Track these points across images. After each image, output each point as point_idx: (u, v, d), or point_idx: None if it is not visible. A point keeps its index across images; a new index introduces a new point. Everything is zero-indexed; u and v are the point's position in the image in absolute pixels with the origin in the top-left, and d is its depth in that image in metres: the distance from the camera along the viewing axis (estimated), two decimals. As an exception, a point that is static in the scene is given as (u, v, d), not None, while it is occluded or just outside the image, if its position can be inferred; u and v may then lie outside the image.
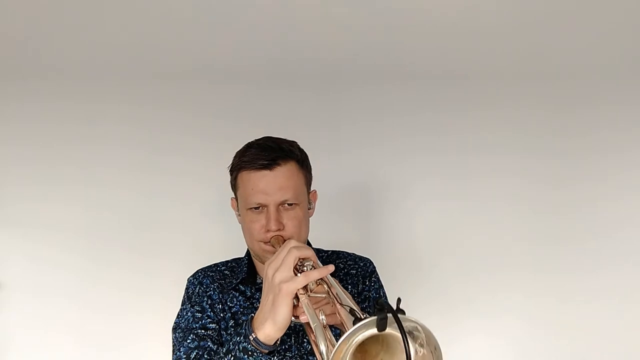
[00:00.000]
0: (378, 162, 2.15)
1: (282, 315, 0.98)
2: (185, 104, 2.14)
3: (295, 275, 1.00)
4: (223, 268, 1.38)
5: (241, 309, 1.28)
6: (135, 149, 2.12)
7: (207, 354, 1.18)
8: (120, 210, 2.11)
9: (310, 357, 1.24)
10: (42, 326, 2.07)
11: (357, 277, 1.35)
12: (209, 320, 1.26)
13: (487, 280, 2.12)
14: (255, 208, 1.23)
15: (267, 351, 1.02)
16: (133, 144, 2.12)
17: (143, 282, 2.07)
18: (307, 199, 1.31)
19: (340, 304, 0.94)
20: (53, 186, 2.10)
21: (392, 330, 0.79)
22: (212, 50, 2.14)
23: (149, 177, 2.11)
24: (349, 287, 1.33)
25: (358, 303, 1.31)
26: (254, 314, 1.05)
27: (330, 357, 0.78)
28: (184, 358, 1.17)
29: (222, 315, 1.27)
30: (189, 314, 1.27)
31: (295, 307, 1.01)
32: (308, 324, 0.98)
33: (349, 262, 1.39)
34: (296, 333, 1.25)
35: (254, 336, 1.01)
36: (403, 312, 0.78)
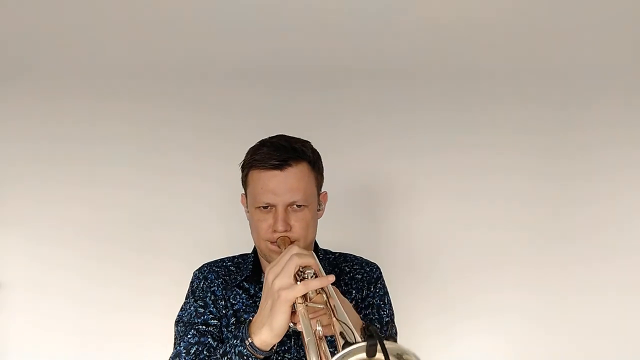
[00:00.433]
0: (381, 161, 2.14)
1: (279, 323, 0.98)
2: (188, 102, 2.14)
3: (296, 282, 0.99)
4: (229, 264, 1.38)
5: (243, 307, 1.28)
6: (136, 147, 2.13)
7: (206, 350, 1.19)
8: (122, 209, 2.12)
9: (309, 359, 1.24)
10: (42, 325, 2.10)
11: (362, 282, 1.34)
12: (210, 316, 1.26)
13: (491, 278, 2.11)
14: (264, 207, 1.22)
15: (262, 357, 1.02)
16: (134, 143, 2.13)
17: (144, 281, 2.09)
18: (316, 200, 1.29)
19: (336, 319, 0.93)
20: (54, 185, 2.12)
21: (381, 356, 0.78)
22: (215, 49, 2.14)
23: (150, 175, 2.12)
24: (353, 291, 1.32)
25: (361, 309, 1.31)
26: (253, 317, 1.05)
27: None
28: (184, 353, 1.18)
29: (224, 311, 1.28)
30: (191, 308, 1.28)
31: (293, 313, 1.01)
32: (304, 339, 0.98)
33: (355, 266, 1.37)
34: (296, 335, 1.25)
35: (250, 341, 1.01)
36: (395, 335, 0.77)
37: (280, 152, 1.21)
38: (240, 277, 1.32)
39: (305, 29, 2.13)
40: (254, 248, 1.37)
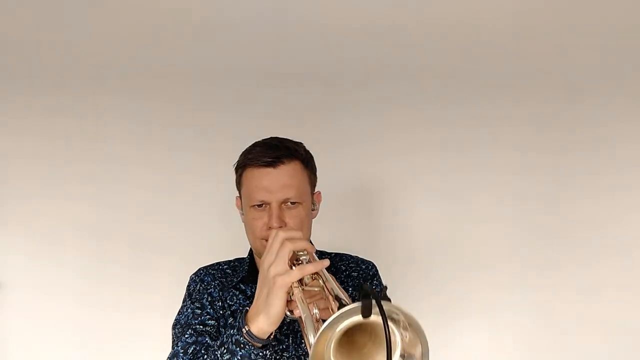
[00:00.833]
0: (377, 160, 2.16)
1: (276, 309, 0.98)
2: (190, 101, 2.17)
3: (291, 268, 1.00)
4: (225, 267, 1.38)
5: (241, 308, 1.28)
6: (138, 146, 2.14)
7: (203, 349, 1.17)
8: (123, 208, 2.13)
9: (308, 358, 1.23)
10: (42, 325, 2.09)
11: (358, 279, 1.34)
12: (208, 316, 1.26)
13: (484, 276, 2.11)
14: (258, 205, 1.24)
15: (259, 345, 1.01)
16: (136, 141, 2.14)
17: (144, 280, 2.09)
18: (310, 199, 1.31)
19: (333, 296, 0.93)
20: (54, 184, 2.13)
21: (377, 318, 0.78)
22: (216, 48, 2.17)
23: (151, 174, 2.14)
24: (350, 289, 1.32)
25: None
26: (250, 307, 1.05)
27: (314, 341, 0.77)
28: (181, 352, 1.17)
29: (221, 312, 1.27)
30: (188, 310, 1.28)
31: (289, 301, 1.01)
32: (301, 317, 0.98)
33: (351, 265, 1.38)
34: (294, 334, 1.24)
35: (247, 329, 1.00)
36: (388, 300, 0.77)
37: (273, 150, 1.23)
38: (237, 278, 1.32)
39: (302, 30, 2.17)
40: (250, 251, 1.38)
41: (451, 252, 2.13)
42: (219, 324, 1.26)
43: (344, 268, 1.37)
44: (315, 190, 1.35)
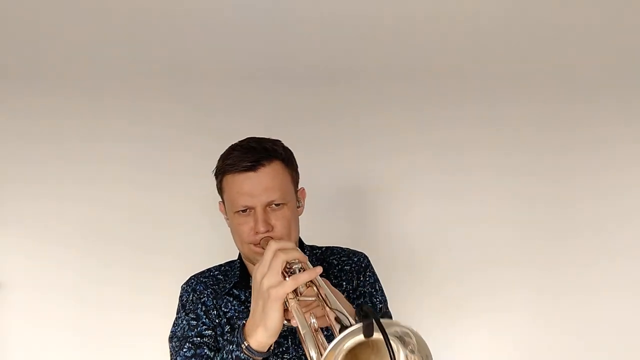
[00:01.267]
0: (372, 159, 2.15)
1: (273, 321, 0.97)
2: (187, 102, 2.14)
3: (284, 279, 0.98)
4: (216, 273, 1.36)
5: (236, 314, 1.27)
6: (136, 147, 2.13)
7: (204, 362, 1.17)
8: (121, 209, 2.12)
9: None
10: (42, 325, 2.09)
11: (351, 272, 1.34)
12: (204, 327, 1.24)
13: (484, 277, 2.12)
14: (243, 211, 1.21)
15: (260, 358, 1.00)
16: (134, 142, 2.13)
17: (144, 280, 2.08)
18: (295, 197, 1.28)
19: (330, 308, 0.92)
20: (53, 184, 2.11)
21: (379, 335, 0.77)
22: (210, 47, 2.14)
23: (150, 175, 2.13)
24: (344, 283, 1.32)
25: (353, 300, 1.30)
26: (246, 320, 1.03)
27: None
28: (181, 367, 1.16)
29: (217, 321, 1.26)
30: (184, 322, 1.26)
31: (286, 310, 1.00)
32: (300, 331, 0.97)
33: (342, 258, 1.37)
34: (293, 335, 1.24)
35: (247, 344, 0.99)
36: (390, 317, 0.76)
37: (251, 154, 1.20)
38: (229, 284, 1.31)
39: (299, 30, 2.15)
40: (239, 254, 1.36)
41: (451, 254, 2.13)
42: (215, 333, 1.25)
43: (335, 262, 1.36)
44: (299, 187, 1.32)
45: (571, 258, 2.12)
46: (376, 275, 1.36)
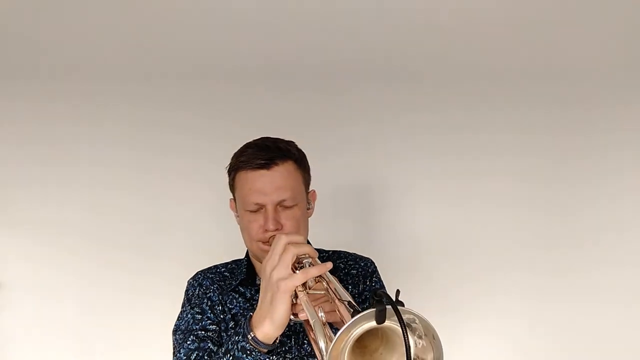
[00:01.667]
0: (377, 162, 2.16)
1: (281, 314, 0.97)
2: (187, 104, 2.15)
3: (294, 272, 0.99)
4: (223, 270, 1.37)
5: (241, 311, 1.27)
6: (136, 149, 2.13)
7: (207, 355, 1.17)
8: (121, 211, 2.12)
9: (310, 359, 1.23)
10: (42, 326, 2.09)
11: (357, 277, 1.34)
12: (209, 321, 1.24)
13: (486, 281, 2.12)
14: (253, 209, 1.22)
15: (265, 350, 1.00)
16: (134, 145, 2.14)
17: (143, 282, 2.08)
18: (305, 198, 1.29)
19: (340, 299, 0.92)
20: (54, 186, 2.12)
21: (390, 324, 0.78)
22: (211, 50, 2.16)
23: (150, 178, 2.13)
24: (350, 287, 1.32)
25: (358, 304, 1.30)
26: (253, 312, 1.04)
27: (329, 350, 0.77)
28: (184, 359, 1.16)
29: (222, 316, 1.26)
30: (189, 315, 1.26)
31: (293, 304, 1.00)
32: (307, 321, 0.97)
33: (349, 262, 1.37)
34: (296, 334, 1.24)
35: (253, 335, 0.99)
36: (402, 304, 0.77)
37: (265, 152, 1.22)
38: (235, 281, 1.31)
39: (300, 31, 2.16)
40: (247, 252, 1.36)
41: (451, 257, 2.14)
42: (220, 328, 1.24)
43: (342, 266, 1.36)
44: (310, 189, 1.34)
45: (574, 264, 2.12)
46: (382, 281, 1.36)
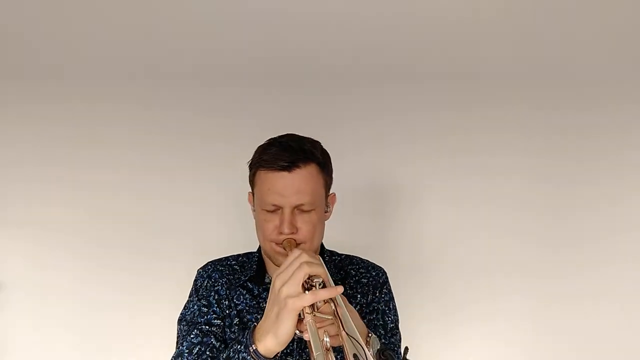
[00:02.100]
0: (386, 163, 2.13)
1: (285, 331, 0.97)
2: (188, 105, 2.12)
3: (304, 291, 0.97)
4: (233, 263, 1.36)
5: (247, 307, 1.27)
6: (137, 149, 2.11)
7: (209, 351, 1.17)
8: (122, 211, 2.11)
9: (312, 365, 1.23)
10: (42, 326, 2.10)
11: (367, 286, 1.32)
12: (214, 315, 1.25)
13: (496, 283, 2.11)
14: (271, 209, 1.20)
15: None
16: (135, 145, 2.11)
17: (144, 283, 2.08)
18: (324, 202, 1.27)
19: (347, 333, 0.91)
20: (54, 186, 2.11)
21: None
22: (214, 51, 2.12)
23: (150, 178, 2.11)
24: (358, 296, 1.31)
25: (365, 314, 1.29)
26: (257, 322, 1.03)
27: None
28: (186, 352, 1.17)
29: (227, 311, 1.26)
30: (195, 307, 1.27)
31: (299, 321, 0.99)
32: (312, 349, 0.96)
33: (361, 270, 1.35)
34: (299, 339, 1.23)
35: (254, 348, 0.99)
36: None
37: (289, 153, 1.18)
38: (244, 277, 1.30)
39: (309, 31, 2.12)
40: (259, 247, 1.35)
41: (459, 258, 2.11)
42: (224, 323, 1.25)
43: (353, 273, 1.35)
44: (330, 192, 1.31)
45: (578, 265, 2.10)
46: (392, 293, 1.35)
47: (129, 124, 2.11)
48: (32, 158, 2.11)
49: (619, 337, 2.08)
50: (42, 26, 2.11)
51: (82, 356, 2.09)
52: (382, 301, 1.31)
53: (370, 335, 1.08)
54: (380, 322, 1.28)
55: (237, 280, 1.30)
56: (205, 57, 2.12)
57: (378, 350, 0.75)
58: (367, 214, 2.11)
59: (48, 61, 2.12)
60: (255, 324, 1.04)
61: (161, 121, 2.11)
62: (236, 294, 1.28)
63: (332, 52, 2.12)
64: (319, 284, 1.00)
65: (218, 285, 1.30)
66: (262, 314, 1.04)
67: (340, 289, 0.97)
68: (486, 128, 2.11)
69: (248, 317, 1.25)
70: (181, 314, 1.27)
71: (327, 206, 1.29)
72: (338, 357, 1.11)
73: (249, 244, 1.31)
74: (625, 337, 2.09)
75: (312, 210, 1.21)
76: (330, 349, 0.96)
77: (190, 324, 1.23)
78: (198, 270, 1.35)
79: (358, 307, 1.29)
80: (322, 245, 1.35)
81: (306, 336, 0.97)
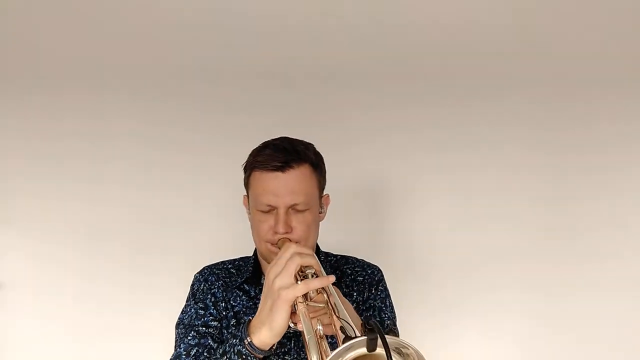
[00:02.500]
0: (379, 160, 2.14)
1: (279, 322, 0.98)
2: (190, 101, 2.14)
3: (296, 282, 0.99)
4: (230, 266, 1.38)
5: (244, 309, 1.28)
6: (138, 146, 2.13)
7: (206, 352, 1.18)
8: (122, 209, 2.12)
9: (309, 362, 1.23)
10: (42, 325, 2.10)
11: (363, 284, 1.34)
12: (211, 317, 1.26)
13: (491, 278, 2.11)
14: (265, 209, 1.22)
15: (261, 356, 1.01)
16: (136, 141, 2.13)
17: (145, 280, 2.09)
18: (318, 203, 1.29)
19: (337, 317, 0.92)
20: (55, 184, 2.12)
21: (382, 350, 0.77)
22: (220, 49, 2.14)
23: (152, 174, 2.13)
24: (355, 294, 1.32)
25: (362, 312, 1.30)
26: (253, 316, 1.05)
27: None
28: (184, 354, 1.18)
29: (224, 313, 1.27)
30: (192, 310, 1.28)
31: (293, 313, 1.00)
32: (304, 336, 0.97)
33: (356, 269, 1.37)
34: (296, 337, 1.24)
35: (249, 340, 1.00)
36: (397, 335, 0.77)
37: (282, 154, 1.21)
38: (241, 279, 1.32)
39: (306, 30, 2.14)
40: (255, 250, 1.37)
41: (454, 254, 2.11)
42: (221, 325, 1.26)
43: (349, 272, 1.36)
44: (324, 193, 1.33)
45: (575, 259, 2.09)
46: (388, 290, 1.36)
47: (128, 123, 2.12)
48: (33, 154, 2.12)
49: (619, 331, 2.07)
50: (47, 22, 2.14)
51: (82, 354, 2.08)
52: (379, 298, 1.32)
53: (368, 319, 1.09)
54: (377, 319, 1.29)
55: (233, 283, 1.32)
56: (213, 55, 2.14)
57: (364, 317, 0.76)
58: (361, 213, 2.13)
59: (52, 57, 2.14)
60: (251, 318, 1.05)
61: (165, 118, 2.13)
62: (233, 295, 1.30)
63: (327, 52, 2.14)
64: (312, 275, 1.02)
65: (214, 287, 1.31)
66: None
67: (332, 278, 0.99)
68: (483, 125, 2.13)
69: (245, 318, 1.26)
70: (179, 318, 1.29)
71: (321, 207, 1.31)
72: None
73: (249, 244, 1.33)
74: (624, 331, 2.08)
75: (306, 210, 1.23)
76: (324, 337, 0.97)
77: (187, 327, 1.24)
78: (195, 274, 1.36)
79: (355, 304, 1.30)
80: (317, 247, 1.36)
81: (300, 326, 0.99)
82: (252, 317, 1.04)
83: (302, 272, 1.03)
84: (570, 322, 2.08)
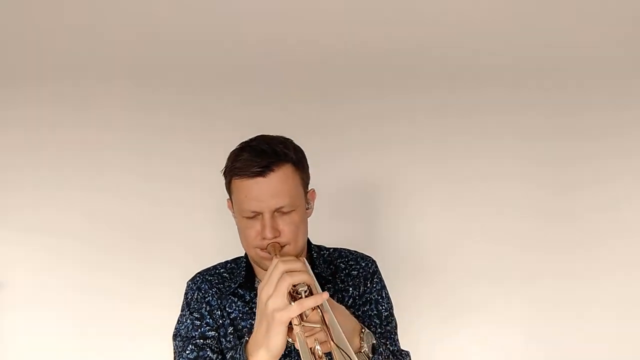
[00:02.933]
0: (381, 164, 2.12)
1: (276, 344, 0.96)
2: (181, 108, 2.12)
3: (290, 302, 0.97)
4: (222, 270, 1.35)
5: (240, 315, 1.26)
6: (133, 153, 2.12)
7: (206, 364, 1.17)
8: (119, 214, 2.11)
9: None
10: (42, 326, 2.11)
11: (358, 278, 1.32)
12: (207, 327, 1.24)
13: (488, 286, 2.11)
14: (250, 216, 1.18)
15: None
16: (130, 149, 2.12)
17: (141, 285, 2.09)
18: (304, 200, 1.25)
19: (335, 344, 0.91)
20: (53, 189, 2.11)
21: None
22: (209, 53, 2.11)
23: (147, 181, 2.12)
24: (350, 288, 1.30)
25: (359, 306, 1.29)
26: (250, 324, 1.03)
27: None
28: (184, 369, 1.17)
29: (221, 321, 1.26)
30: (188, 321, 1.26)
31: (290, 330, 0.99)
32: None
33: (350, 262, 1.35)
34: (295, 350, 1.23)
35: None
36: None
37: (261, 158, 1.16)
38: (234, 284, 1.29)
39: (302, 33, 2.12)
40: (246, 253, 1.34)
41: (453, 259, 2.12)
42: (218, 334, 1.24)
43: (343, 266, 1.34)
44: (310, 189, 1.29)
45: (577, 269, 2.10)
46: (383, 281, 1.34)
47: (123, 127, 2.12)
48: (32, 160, 2.12)
49: (622, 341, 2.09)
50: (41, 28, 2.12)
51: (83, 354, 2.12)
52: (375, 291, 1.31)
53: (363, 330, 1.08)
54: (375, 312, 1.28)
55: (227, 289, 1.29)
56: (202, 60, 2.12)
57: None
58: (360, 217, 2.13)
59: (47, 62, 2.13)
60: (247, 338, 1.03)
61: (154, 126, 2.12)
62: (228, 302, 1.28)
63: (323, 52, 2.11)
64: (305, 291, 0.99)
65: (208, 296, 1.29)
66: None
67: (326, 295, 0.96)
68: (484, 131, 2.11)
69: (242, 324, 1.25)
70: (175, 329, 1.27)
71: (307, 203, 1.27)
72: None
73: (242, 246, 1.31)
74: (626, 343, 2.09)
75: (292, 211, 1.19)
76: (323, 356, 0.96)
77: (185, 339, 1.23)
78: (187, 282, 1.34)
79: (351, 300, 1.29)
80: (308, 241, 1.34)
81: (297, 345, 0.97)
82: (250, 323, 1.03)
83: (294, 288, 1.00)
84: (572, 333, 2.10)
